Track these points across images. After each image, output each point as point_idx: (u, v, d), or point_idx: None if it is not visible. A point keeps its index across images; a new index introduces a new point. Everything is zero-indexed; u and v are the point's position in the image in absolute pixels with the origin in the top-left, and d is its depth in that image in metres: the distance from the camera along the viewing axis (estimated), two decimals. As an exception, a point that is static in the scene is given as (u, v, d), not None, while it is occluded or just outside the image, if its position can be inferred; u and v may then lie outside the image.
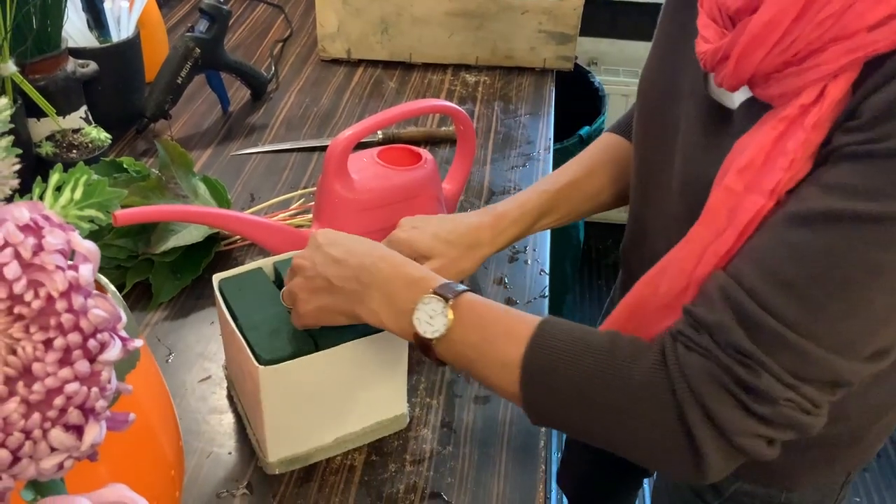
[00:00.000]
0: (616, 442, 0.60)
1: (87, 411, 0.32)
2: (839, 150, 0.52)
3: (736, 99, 0.62)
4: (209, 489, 0.70)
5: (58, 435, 0.31)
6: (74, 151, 1.02)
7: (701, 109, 0.65)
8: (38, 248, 0.31)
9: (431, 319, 0.62)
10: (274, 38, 1.48)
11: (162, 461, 0.57)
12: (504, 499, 0.70)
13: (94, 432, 0.32)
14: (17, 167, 0.37)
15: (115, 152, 1.13)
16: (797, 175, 0.54)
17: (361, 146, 1.04)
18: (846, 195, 0.51)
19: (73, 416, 0.32)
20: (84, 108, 1.07)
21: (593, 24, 1.44)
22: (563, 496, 1.72)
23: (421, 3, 1.32)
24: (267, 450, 0.70)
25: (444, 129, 1.21)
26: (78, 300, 0.31)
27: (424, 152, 0.90)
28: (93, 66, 1.07)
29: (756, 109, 0.59)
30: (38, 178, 0.38)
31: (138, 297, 0.89)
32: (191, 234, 0.89)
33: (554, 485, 1.81)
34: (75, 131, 1.04)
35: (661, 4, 0.75)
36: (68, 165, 0.46)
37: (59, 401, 0.31)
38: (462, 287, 0.63)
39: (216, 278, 0.72)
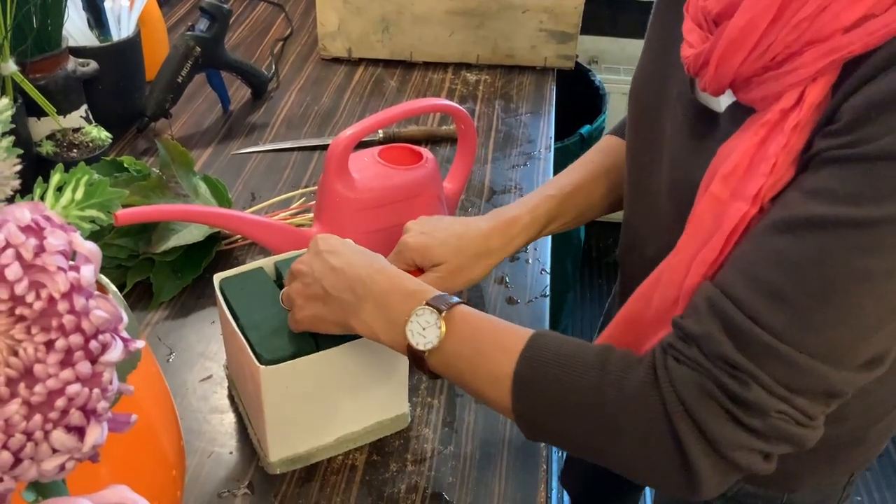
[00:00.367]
0: (608, 457, 0.59)
1: (89, 412, 0.32)
2: (820, 155, 0.51)
3: (722, 102, 0.62)
4: (210, 489, 0.70)
5: (59, 436, 0.31)
6: (75, 151, 1.02)
7: (688, 113, 0.65)
8: (40, 249, 0.31)
9: (424, 331, 0.61)
10: (274, 37, 1.48)
11: (163, 461, 0.57)
12: (505, 498, 0.70)
13: (96, 434, 0.32)
14: (19, 168, 0.37)
15: (115, 151, 1.13)
16: (780, 180, 0.54)
17: (362, 145, 1.04)
18: (828, 200, 0.50)
19: (75, 417, 0.31)
20: (84, 107, 1.07)
21: (594, 22, 1.44)
22: (565, 495, 1.72)
23: (421, 2, 1.32)
24: (268, 449, 0.70)
25: (444, 128, 1.20)
26: (79, 301, 0.31)
27: (425, 151, 0.90)
28: (93, 65, 1.07)
29: (741, 113, 0.59)
30: (39, 178, 0.38)
31: (139, 297, 0.89)
32: (192, 234, 0.89)
33: (555, 484, 1.81)
34: (76, 130, 1.04)
35: (661, 3, 0.75)
36: (69, 165, 0.46)
37: (60, 402, 0.31)
38: (456, 299, 0.63)
39: (217, 278, 0.72)
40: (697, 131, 0.64)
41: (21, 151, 0.38)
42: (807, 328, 0.51)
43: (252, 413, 0.72)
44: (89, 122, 1.07)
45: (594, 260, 2.35)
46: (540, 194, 0.84)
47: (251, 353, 0.65)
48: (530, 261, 0.97)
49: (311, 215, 0.97)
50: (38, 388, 0.30)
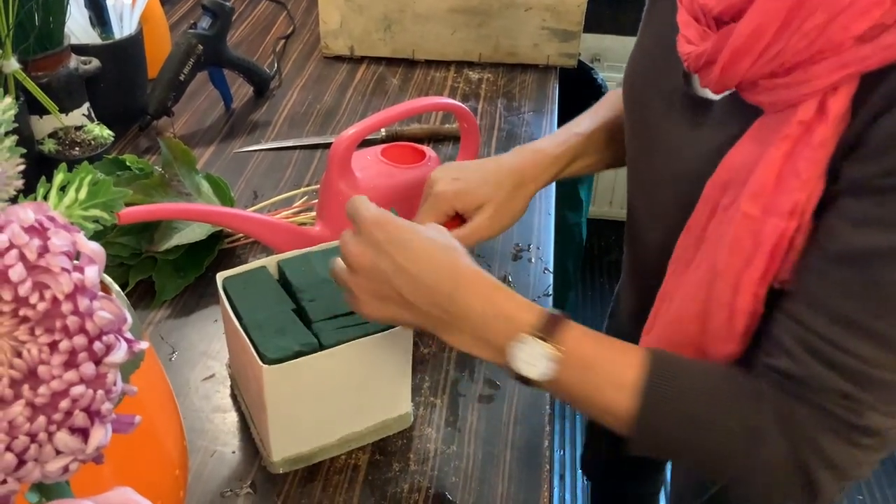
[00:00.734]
0: (727, 478, 0.61)
1: (93, 414, 0.32)
2: (858, 183, 0.52)
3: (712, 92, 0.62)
4: (213, 488, 0.70)
5: (63, 438, 0.31)
6: (77, 149, 1.01)
7: (682, 102, 0.66)
8: (44, 250, 0.30)
9: (532, 361, 0.58)
10: (276, 35, 1.47)
11: (166, 461, 0.56)
12: (508, 498, 0.70)
13: (100, 435, 0.32)
14: (22, 167, 0.37)
15: (117, 150, 1.12)
16: (812, 194, 0.54)
17: (365, 144, 1.04)
18: (878, 229, 0.51)
19: (79, 418, 0.31)
20: (87, 105, 1.07)
21: (596, 20, 1.43)
22: (567, 494, 1.72)
23: (423, 0, 1.32)
24: (271, 449, 0.70)
25: (447, 126, 1.20)
26: (83, 302, 0.31)
27: (428, 150, 0.90)
28: (95, 62, 1.07)
29: (737, 104, 0.59)
30: (43, 177, 0.38)
31: (141, 296, 0.89)
32: (194, 232, 0.89)
33: (557, 482, 1.81)
34: (78, 128, 1.04)
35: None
36: (71, 163, 0.46)
37: (64, 403, 0.31)
38: (558, 315, 0.60)
39: (220, 277, 0.72)
40: (691, 120, 0.65)
41: (24, 151, 0.38)
42: (890, 350, 0.53)
43: (255, 412, 0.72)
44: (91, 120, 1.07)
45: (595, 259, 2.34)
46: (566, 132, 0.83)
47: (254, 353, 0.65)
48: (532, 260, 0.97)
49: (314, 214, 0.96)
50: (42, 390, 0.30)
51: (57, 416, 0.31)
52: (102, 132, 1.04)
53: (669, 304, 0.65)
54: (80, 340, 0.31)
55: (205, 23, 1.15)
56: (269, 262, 0.75)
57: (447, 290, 0.59)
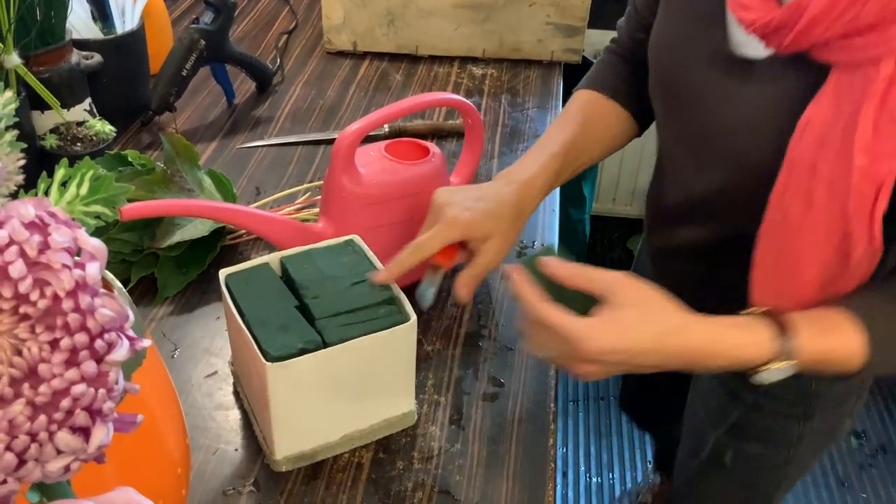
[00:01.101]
0: None
1: (94, 413, 0.31)
2: None
3: (761, 51, 0.67)
4: (215, 486, 0.69)
5: (64, 437, 0.31)
6: (79, 144, 1.01)
7: (723, 64, 0.70)
8: (44, 246, 0.30)
9: (775, 377, 0.66)
10: (279, 30, 1.47)
11: (168, 460, 0.56)
12: (513, 497, 0.69)
13: (101, 434, 0.32)
14: (22, 162, 0.36)
15: (119, 145, 1.12)
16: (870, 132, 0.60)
17: (368, 140, 1.03)
18: None
19: (80, 417, 0.31)
20: (88, 100, 1.06)
21: (600, 16, 1.42)
22: (570, 492, 1.72)
23: (427, -5, 1.31)
24: (274, 447, 0.69)
25: (450, 122, 1.20)
26: (85, 299, 0.30)
27: (432, 146, 0.89)
28: (97, 58, 1.06)
29: (783, 60, 0.65)
30: (44, 173, 0.37)
31: (143, 292, 0.88)
32: (196, 229, 0.89)
33: (560, 479, 1.81)
34: (79, 124, 1.03)
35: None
36: (72, 158, 0.45)
37: (65, 402, 0.30)
38: (786, 329, 0.65)
39: (222, 273, 0.72)
40: (737, 77, 0.69)
41: (25, 146, 0.37)
42: None
43: (258, 410, 0.72)
44: (93, 115, 1.07)
45: (598, 255, 2.34)
46: (543, 153, 0.85)
47: (257, 350, 0.64)
48: (537, 257, 0.96)
49: (317, 210, 0.96)
50: (42, 389, 0.30)
51: (58, 416, 0.30)
52: (104, 128, 1.03)
53: (786, 258, 0.69)
54: (81, 338, 0.30)
55: (207, 18, 1.14)
56: (272, 258, 0.74)
57: (686, 362, 0.66)
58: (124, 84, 1.15)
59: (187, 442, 0.60)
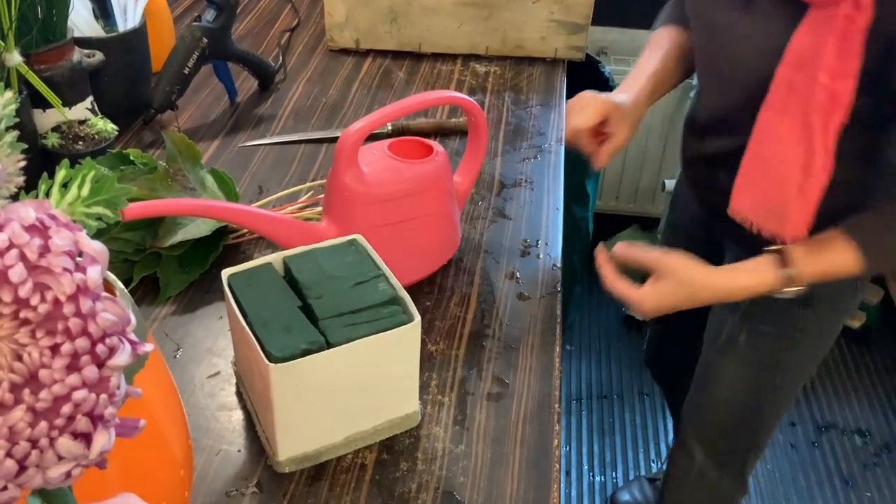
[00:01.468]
0: None
1: (96, 418, 0.31)
2: None
3: None
4: (218, 487, 0.69)
5: (65, 443, 0.30)
6: (80, 143, 1.00)
7: (732, 1, 0.86)
8: (45, 250, 0.29)
9: (787, 295, 0.86)
10: (281, 28, 1.46)
11: (171, 461, 0.56)
12: (518, 498, 0.69)
13: (103, 440, 0.31)
14: (23, 164, 0.36)
15: (121, 144, 1.11)
16: (859, 61, 0.75)
17: (371, 138, 1.03)
18: None
19: (82, 423, 0.30)
20: (90, 98, 1.06)
21: (603, 13, 1.41)
22: (573, 489, 1.72)
23: (430, -7, 1.30)
24: (277, 448, 0.69)
25: (454, 120, 1.19)
26: (86, 304, 0.30)
27: (436, 145, 0.89)
28: (99, 56, 1.06)
29: (775, 2, 0.81)
30: (45, 174, 0.37)
31: (146, 292, 0.88)
32: (199, 228, 0.88)
33: (564, 478, 1.80)
34: (81, 122, 1.03)
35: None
36: (74, 157, 0.45)
37: (66, 408, 0.30)
38: (784, 259, 0.85)
39: (225, 274, 0.71)
40: (743, 11, 0.85)
41: (25, 146, 0.37)
42: None
43: (261, 411, 0.71)
44: (95, 114, 1.06)
45: (602, 253, 2.33)
46: (643, 74, 1.02)
47: (260, 351, 0.64)
48: (541, 256, 0.96)
49: (320, 209, 0.95)
50: (43, 394, 0.29)
51: (59, 422, 0.30)
52: (106, 126, 1.03)
53: (763, 163, 0.86)
54: (82, 343, 0.30)
55: (209, 15, 1.14)
56: (275, 258, 0.74)
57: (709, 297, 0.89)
58: (126, 82, 1.15)
59: (190, 443, 0.60)
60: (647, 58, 1.05)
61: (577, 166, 1.78)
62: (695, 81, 1.43)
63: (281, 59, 1.34)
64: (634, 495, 1.73)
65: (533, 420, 0.76)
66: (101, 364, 0.30)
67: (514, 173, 1.10)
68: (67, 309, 0.29)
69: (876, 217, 0.85)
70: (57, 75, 0.99)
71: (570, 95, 1.33)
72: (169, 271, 0.88)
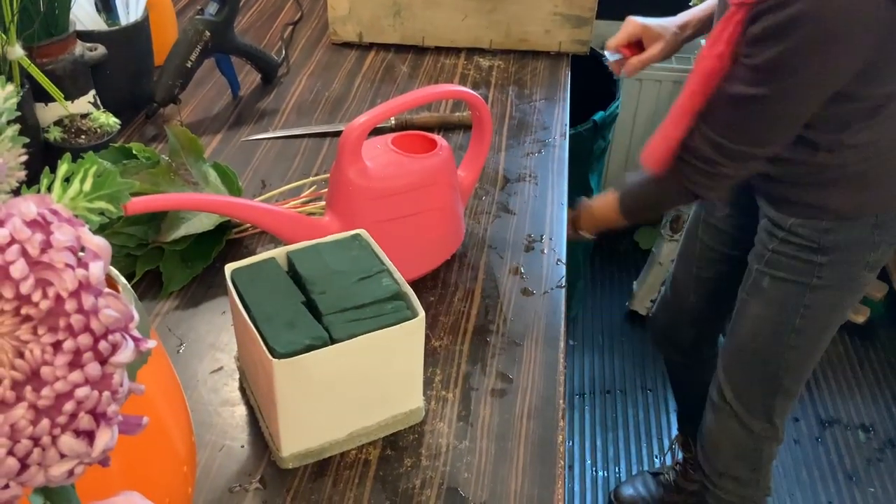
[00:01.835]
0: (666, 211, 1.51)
1: (99, 416, 0.31)
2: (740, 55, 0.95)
3: None
4: (221, 483, 0.69)
5: (68, 441, 0.30)
6: (83, 137, 1.00)
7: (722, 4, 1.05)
8: (47, 245, 0.29)
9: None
10: (284, 21, 1.46)
11: (174, 457, 0.55)
12: (522, 494, 0.69)
13: (106, 438, 0.31)
14: (24, 158, 0.35)
15: (123, 138, 1.11)
16: (729, 49, 0.95)
17: (374, 132, 1.02)
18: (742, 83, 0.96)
19: (84, 421, 0.30)
20: (92, 92, 1.05)
21: (607, 6, 1.41)
22: (577, 486, 1.72)
23: (434, -14, 1.29)
24: (280, 444, 0.69)
25: (457, 114, 1.18)
26: (88, 300, 0.29)
27: (440, 139, 0.88)
28: (101, 49, 1.05)
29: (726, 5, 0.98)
30: (46, 168, 0.37)
31: (149, 286, 0.87)
32: (202, 222, 0.88)
33: (566, 472, 1.80)
34: (84, 116, 1.02)
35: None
36: (77, 151, 0.44)
37: (69, 406, 0.29)
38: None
39: (228, 268, 0.71)
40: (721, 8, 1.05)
41: (27, 140, 0.36)
42: (758, 145, 1.02)
43: (264, 406, 0.71)
44: (97, 107, 1.06)
45: (605, 247, 2.33)
46: (692, 12, 1.22)
47: (264, 346, 0.64)
48: (545, 251, 0.96)
49: (323, 203, 0.95)
50: (45, 392, 0.29)
51: (61, 419, 0.29)
52: (108, 120, 1.03)
53: (667, 127, 1.05)
54: (84, 340, 0.29)
55: (212, 9, 1.13)
56: (279, 253, 0.74)
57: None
58: (129, 76, 1.14)
59: (193, 439, 0.59)
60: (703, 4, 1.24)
61: (581, 160, 1.77)
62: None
63: (284, 52, 1.33)
64: (638, 490, 1.72)
65: (537, 416, 0.75)
66: (103, 361, 0.30)
67: (517, 168, 1.10)
68: (69, 305, 0.29)
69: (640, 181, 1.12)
70: (59, 69, 0.99)
71: (573, 90, 1.33)
72: (172, 266, 0.87)
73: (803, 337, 1.19)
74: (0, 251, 0.28)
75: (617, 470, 1.83)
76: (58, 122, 1.01)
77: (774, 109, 0.96)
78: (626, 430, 1.92)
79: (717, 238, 1.33)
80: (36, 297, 0.28)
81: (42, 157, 0.98)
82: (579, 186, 1.84)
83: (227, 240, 0.91)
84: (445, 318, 0.86)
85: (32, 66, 0.93)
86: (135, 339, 0.32)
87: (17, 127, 0.36)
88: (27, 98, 0.95)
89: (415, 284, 0.85)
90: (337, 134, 1.14)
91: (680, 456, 1.67)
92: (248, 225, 0.94)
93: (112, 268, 0.50)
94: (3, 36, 0.89)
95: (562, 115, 1.22)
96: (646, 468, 1.83)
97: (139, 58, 1.16)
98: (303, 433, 0.69)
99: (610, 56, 1.22)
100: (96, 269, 0.30)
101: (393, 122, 1.16)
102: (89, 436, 0.31)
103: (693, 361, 1.52)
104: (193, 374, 0.78)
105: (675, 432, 1.81)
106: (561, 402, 0.77)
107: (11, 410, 0.29)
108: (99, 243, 0.31)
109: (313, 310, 0.68)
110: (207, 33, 1.12)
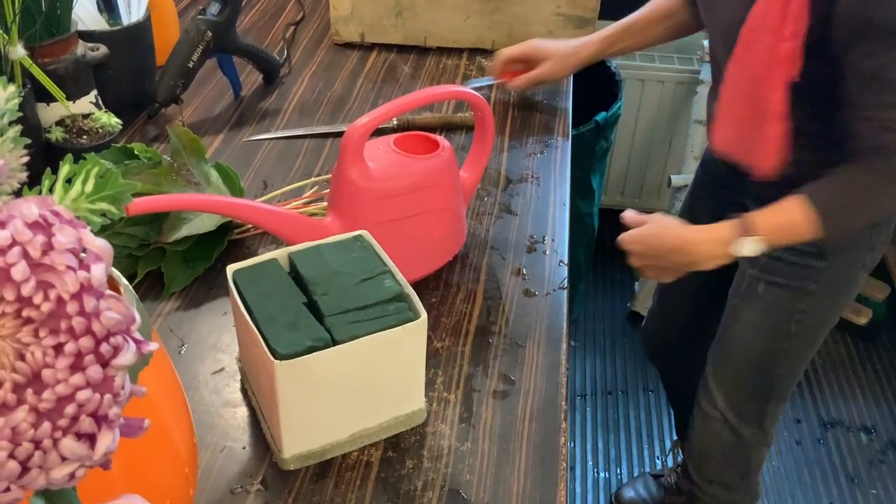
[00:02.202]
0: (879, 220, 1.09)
1: (100, 419, 0.30)
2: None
3: None
4: (223, 484, 0.69)
5: (69, 444, 0.30)
6: (84, 137, 1.00)
7: None
8: (48, 247, 0.29)
9: (749, 250, 0.96)
10: (286, 21, 1.46)
11: (175, 458, 0.55)
12: (524, 496, 0.69)
13: (108, 440, 0.31)
14: (26, 159, 0.35)
15: (125, 138, 1.11)
16: (802, 25, 0.88)
17: (376, 133, 1.02)
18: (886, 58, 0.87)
19: (85, 424, 0.30)
20: (94, 92, 1.05)
21: (610, 7, 1.40)
22: (578, 485, 1.72)
23: (436, -14, 1.29)
24: (282, 445, 0.68)
25: (459, 115, 1.18)
26: (90, 302, 0.29)
27: (442, 140, 0.88)
28: (103, 49, 1.05)
29: None
30: (48, 169, 0.36)
31: (150, 287, 0.87)
32: (203, 223, 0.88)
33: (568, 474, 1.80)
34: (85, 116, 1.02)
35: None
36: (78, 151, 0.44)
37: (70, 409, 0.29)
38: (744, 222, 0.96)
39: (230, 269, 0.71)
40: None
41: (28, 141, 0.36)
42: None
43: (265, 408, 0.71)
44: (99, 107, 1.06)
45: (607, 248, 2.32)
46: (614, 25, 1.21)
47: (265, 348, 0.63)
48: (547, 252, 0.95)
49: (325, 204, 0.95)
50: (46, 395, 0.29)
51: (62, 422, 0.29)
52: (110, 120, 1.02)
53: (730, 107, 1.01)
54: (86, 342, 0.29)
55: (214, 9, 1.13)
56: (280, 254, 0.73)
57: (672, 239, 1.02)
58: (130, 76, 1.14)
59: (194, 440, 0.59)
60: (634, 13, 1.22)
61: (583, 161, 1.77)
62: (700, 76, 1.89)
63: (286, 52, 1.33)
64: (639, 492, 1.72)
65: (539, 417, 0.75)
66: (105, 363, 0.30)
67: (520, 169, 1.10)
68: (71, 307, 0.29)
69: (829, 183, 0.95)
70: (61, 69, 0.98)
71: (576, 91, 1.33)
72: (173, 267, 0.87)
73: (797, 342, 1.17)
74: (1, 253, 0.28)
75: (618, 471, 1.83)
76: (59, 123, 1.01)
77: None
78: (628, 432, 1.92)
79: None
80: (37, 299, 0.28)
81: (44, 157, 0.98)
82: (581, 187, 1.84)
83: (228, 240, 0.91)
84: (447, 320, 0.85)
85: (34, 66, 0.93)
86: (136, 342, 0.31)
87: (18, 128, 0.36)
88: (29, 98, 0.95)
89: (416, 285, 0.84)
90: (339, 134, 1.14)
91: (681, 458, 1.67)
92: (250, 226, 0.93)
93: (114, 269, 0.50)
94: (5, 36, 0.89)
95: (564, 115, 1.22)
96: (647, 469, 1.83)
97: (141, 58, 1.16)
98: (304, 434, 0.69)
99: (475, 83, 1.25)
100: (98, 272, 0.30)
101: (395, 122, 1.16)
102: (91, 439, 0.30)
103: (686, 370, 1.50)
104: (195, 375, 0.78)
105: (675, 434, 1.81)
106: (563, 403, 0.77)
107: (12, 413, 0.28)
108: (100, 245, 0.31)
109: (315, 311, 0.68)
110: (209, 33, 1.12)
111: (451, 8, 1.32)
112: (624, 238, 1.04)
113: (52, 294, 0.28)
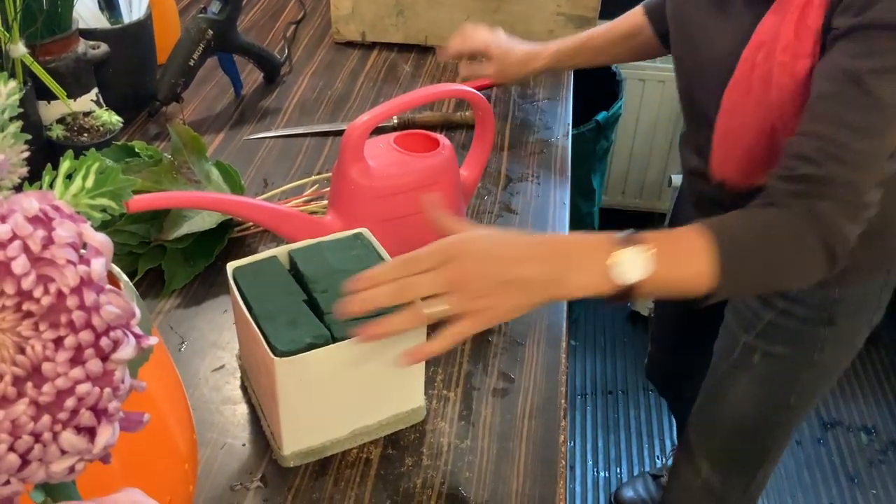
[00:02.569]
0: (781, 287, 0.88)
1: (100, 412, 0.31)
2: (848, 28, 0.72)
3: None
4: (222, 481, 0.69)
5: (69, 437, 0.30)
6: (85, 135, 1.00)
7: (707, 4, 0.88)
8: (48, 241, 0.29)
9: (634, 266, 0.68)
10: (287, 20, 1.46)
11: (175, 455, 0.55)
12: (523, 494, 0.69)
13: (107, 434, 0.31)
14: (26, 154, 0.35)
15: (126, 136, 1.11)
16: (818, 39, 0.76)
17: (377, 131, 1.02)
18: (866, 56, 0.71)
19: (85, 417, 0.30)
20: (95, 90, 1.05)
21: (610, 6, 1.40)
22: (577, 486, 1.72)
23: (437, -15, 1.29)
24: (282, 442, 0.69)
25: (460, 113, 1.18)
26: (90, 296, 0.29)
27: (442, 138, 0.88)
28: (104, 47, 1.06)
29: (747, 1, 0.83)
30: (49, 165, 0.37)
31: (150, 285, 0.87)
32: (204, 221, 0.88)
33: (568, 473, 1.80)
34: (86, 114, 1.02)
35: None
36: (79, 149, 0.44)
37: (70, 402, 0.29)
38: (633, 232, 0.70)
39: (230, 267, 0.71)
40: (718, 11, 0.87)
41: (28, 137, 0.36)
42: (881, 140, 0.72)
43: (265, 405, 0.71)
44: (100, 105, 1.06)
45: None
46: (578, 37, 1.14)
47: (265, 345, 0.63)
48: (548, 250, 0.95)
49: (325, 202, 0.95)
50: (46, 388, 0.29)
51: (62, 416, 0.29)
52: (111, 118, 1.03)
53: (733, 136, 0.87)
54: (86, 336, 0.29)
55: (215, 7, 1.13)
56: (280, 251, 0.74)
57: (545, 251, 0.69)
58: (131, 74, 1.14)
59: (194, 437, 0.59)
60: (590, 30, 1.16)
61: (583, 160, 1.77)
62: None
63: (286, 51, 1.33)
64: (638, 492, 1.72)
65: (539, 416, 0.75)
66: (105, 357, 0.30)
67: (520, 167, 1.10)
68: (71, 301, 0.29)
69: (742, 217, 0.75)
70: (62, 67, 0.99)
71: (577, 90, 1.33)
72: (174, 264, 0.87)
73: (796, 411, 1.07)
74: (2, 247, 0.28)
75: (618, 471, 1.83)
76: (60, 120, 1.01)
77: None
78: (628, 431, 1.92)
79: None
80: (37, 293, 0.28)
81: (44, 154, 0.98)
82: (581, 187, 1.84)
83: (229, 238, 0.91)
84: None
85: (35, 64, 0.93)
86: (136, 336, 0.32)
87: (19, 124, 0.36)
88: (30, 96, 0.95)
89: (417, 284, 0.84)
90: (339, 133, 1.14)
91: None
92: (250, 223, 0.94)
93: (114, 265, 0.50)
94: (7, 33, 0.89)
95: (564, 114, 1.22)
96: (647, 469, 1.83)
97: (142, 56, 1.16)
98: (304, 431, 0.69)
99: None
100: (98, 266, 0.30)
101: (395, 121, 1.16)
102: (90, 432, 0.31)
103: (693, 396, 1.42)
104: (195, 373, 0.78)
105: (675, 433, 1.81)
106: (562, 402, 0.77)
107: (12, 406, 0.29)
108: (100, 240, 0.31)
109: (315, 308, 0.68)
110: (210, 32, 1.12)
111: (452, 7, 1.32)
112: (437, 248, 0.66)
113: (53, 288, 0.29)
